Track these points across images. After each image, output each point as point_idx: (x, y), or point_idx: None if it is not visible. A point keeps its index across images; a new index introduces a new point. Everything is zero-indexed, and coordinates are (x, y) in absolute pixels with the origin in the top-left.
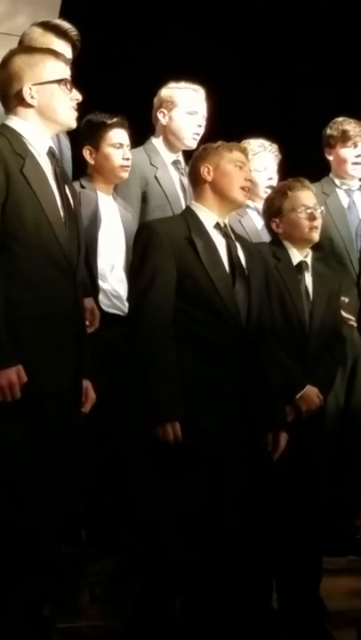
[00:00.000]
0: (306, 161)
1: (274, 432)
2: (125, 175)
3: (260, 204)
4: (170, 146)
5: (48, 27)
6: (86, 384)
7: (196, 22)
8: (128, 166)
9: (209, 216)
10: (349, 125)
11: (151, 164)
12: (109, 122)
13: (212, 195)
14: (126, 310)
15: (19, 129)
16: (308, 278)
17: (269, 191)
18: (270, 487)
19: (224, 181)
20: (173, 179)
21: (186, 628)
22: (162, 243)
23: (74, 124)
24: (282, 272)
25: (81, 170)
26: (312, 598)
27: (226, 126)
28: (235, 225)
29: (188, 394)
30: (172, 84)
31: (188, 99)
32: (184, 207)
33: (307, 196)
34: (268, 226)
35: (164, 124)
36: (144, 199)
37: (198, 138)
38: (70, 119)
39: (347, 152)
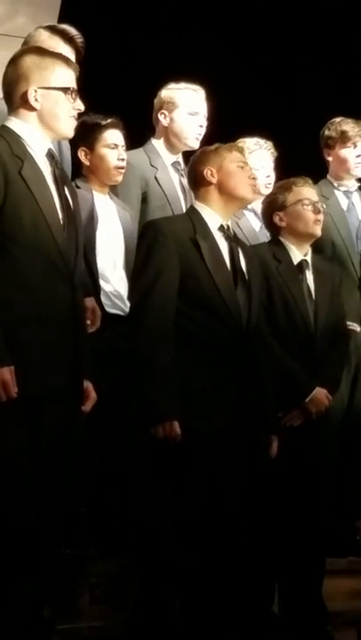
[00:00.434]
0: (305, 160)
1: (267, 437)
2: (120, 176)
3: (258, 204)
4: (171, 147)
5: (55, 30)
6: (87, 384)
7: (195, 22)
8: (123, 167)
9: (213, 217)
10: (348, 125)
11: (151, 165)
12: (104, 123)
13: (219, 196)
14: (127, 310)
15: (18, 131)
16: (310, 277)
17: (267, 189)
18: (270, 488)
19: (230, 181)
20: (173, 180)
21: (186, 630)
22: (167, 242)
23: (71, 135)
24: (283, 274)
25: (77, 171)
26: (314, 599)
27: (224, 126)
28: (232, 227)
29: (188, 395)
30: (172, 85)
31: (188, 99)
32: (184, 208)
33: (311, 192)
34: (269, 222)
35: (166, 125)
36: (144, 200)
37: (200, 138)
38: (69, 129)
39: (347, 152)
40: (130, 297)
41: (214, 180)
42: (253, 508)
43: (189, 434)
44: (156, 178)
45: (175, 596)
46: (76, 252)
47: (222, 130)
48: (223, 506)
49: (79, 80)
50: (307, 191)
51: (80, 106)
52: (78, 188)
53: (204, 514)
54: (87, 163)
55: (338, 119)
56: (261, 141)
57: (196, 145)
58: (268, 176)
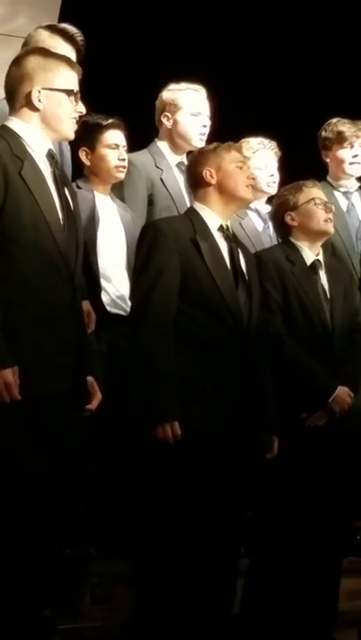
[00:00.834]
0: (307, 161)
1: (267, 437)
2: (121, 176)
3: (260, 203)
4: (176, 148)
5: (55, 30)
6: (92, 382)
7: (197, 21)
8: (124, 167)
9: (213, 218)
10: (344, 126)
11: (157, 167)
12: (105, 123)
13: (218, 196)
14: (129, 310)
15: (19, 131)
16: (323, 277)
17: (270, 188)
18: (282, 490)
19: (229, 182)
20: (178, 180)
21: (187, 630)
22: (167, 242)
23: (72, 136)
24: (298, 276)
25: (78, 171)
26: (329, 600)
27: (228, 125)
28: (235, 227)
29: (189, 395)
30: (173, 86)
31: (190, 100)
32: None
33: (321, 192)
34: (280, 223)
35: (169, 127)
36: (150, 202)
37: (204, 138)
38: (70, 131)
39: (344, 153)
40: (131, 297)
41: (213, 181)
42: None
43: (190, 434)
44: (161, 179)
45: (176, 596)
46: (77, 252)
47: (226, 129)
48: (224, 506)
49: (81, 80)
50: (317, 191)
51: (82, 108)
52: (79, 188)
53: (205, 514)
54: (88, 163)
55: (334, 120)
56: (265, 141)
57: (200, 145)
58: (271, 175)
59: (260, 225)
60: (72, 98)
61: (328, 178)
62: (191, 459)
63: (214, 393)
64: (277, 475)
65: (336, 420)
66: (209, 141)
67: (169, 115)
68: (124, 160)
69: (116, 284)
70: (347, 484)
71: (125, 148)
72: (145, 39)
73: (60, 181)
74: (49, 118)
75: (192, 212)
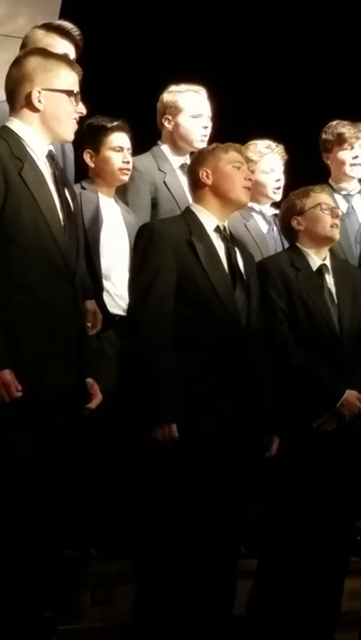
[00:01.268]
0: (309, 163)
1: (267, 436)
2: (125, 179)
3: (265, 206)
4: (178, 150)
5: (51, 28)
6: (93, 383)
7: (199, 22)
8: (128, 169)
9: (210, 219)
10: (344, 128)
11: (160, 170)
12: (110, 125)
13: (214, 197)
14: None
15: (19, 132)
16: (330, 281)
17: (276, 193)
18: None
19: (225, 183)
20: (182, 182)
21: (187, 630)
22: (163, 243)
23: (71, 138)
24: (302, 281)
25: (83, 173)
26: (333, 601)
27: (231, 127)
28: (240, 228)
29: (188, 395)
30: (173, 88)
31: (191, 102)
32: None
33: (328, 198)
34: (288, 227)
35: (171, 129)
36: (154, 205)
37: (206, 139)
38: (69, 133)
39: (344, 154)
40: (129, 297)
41: (209, 182)
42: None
43: (189, 434)
44: (164, 182)
45: (176, 597)
46: (77, 253)
47: (229, 131)
48: (223, 506)
49: (81, 82)
50: (324, 197)
51: (82, 109)
52: (84, 189)
53: (204, 514)
54: (92, 165)
55: (334, 122)
56: (273, 144)
57: (202, 146)
58: (277, 180)
59: (264, 227)
60: (72, 98)
61: (330, 181)
62: (190, 459)
63: (213, 393)
64: (285, 477)
65: (346, 424)
66: (212, 142)
67: (170, 117)
68: (128, 163)
69: (117, 285)
70: (354, 487)
71: (130, 151)
72: (147, 39)
73: (61, 182)
74: (49, 119)
75: (189, 212)
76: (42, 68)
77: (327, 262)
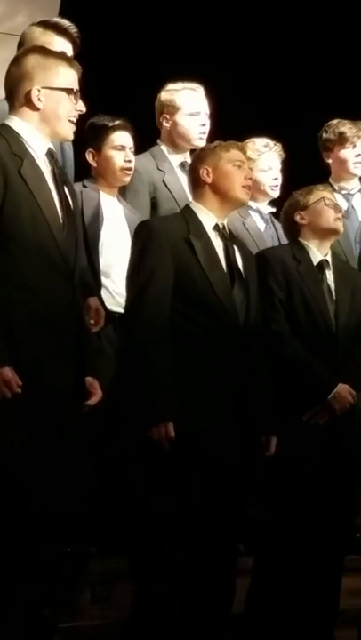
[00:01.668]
0: (307, 161)
1: (265, 436)
2: (127, 177)
3: (263, 205)
4: (177, 148)
5: (48, 25)
6: (93, 381)
7: (199, 20)
8: (130, 168)
9: (208, 217)
10: (345, 127)
11: (158, 169)
12: (112, 124)
13: (213, 196)
14: None
15: (19, 130)
16: (330, 277)
17: (274, 191)
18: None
19: (224, 182)
20: (182, 181)
21: (186, 628)
22: (161, 242)
23: (70, 137)
24: (303, 274)
25: (86, 172)
26: (330, 599)
27: (230, 124)
28: (238, 226)
29: (185, 394)
30: (170, 86)
31: (188, 100)
32: None
33: (331, 195)
34: (291, 223)
35: (169, 128)
36: (153, 206)
37: (205, 136)
38: (68, 132)
39: (346, 153)
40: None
41: (209, 180)
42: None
43: (186, 433)
44: (164, 181)
45: (174, 594)
46: (76, 251)
47: (228, 129)
48: (221, 504)
49: (81, 80)
50: (327, 193)
51: (82, 107)
52: (85, 187)
53: (202, 512)
54: (94, 164)
55: (335, 121)
56: (271, 143)
57: (201, 144)
58: (275, 178)
59: (262, 225)
60: (72, 96)
61: (330, 180)
62: (187, 457)
63: (211, 391)
64: (281, 475)
65: (340, 420)
66: (210, 140)
67: (168, 116)
68: (130, 162)
69: (117, 283)
70: (351, 485)
71: (132, 150)
72: (146, 37)
73: (60, 180)
74: (48, 117)
75: (188, 210)
76: (41, 67)
77: (328, 258)
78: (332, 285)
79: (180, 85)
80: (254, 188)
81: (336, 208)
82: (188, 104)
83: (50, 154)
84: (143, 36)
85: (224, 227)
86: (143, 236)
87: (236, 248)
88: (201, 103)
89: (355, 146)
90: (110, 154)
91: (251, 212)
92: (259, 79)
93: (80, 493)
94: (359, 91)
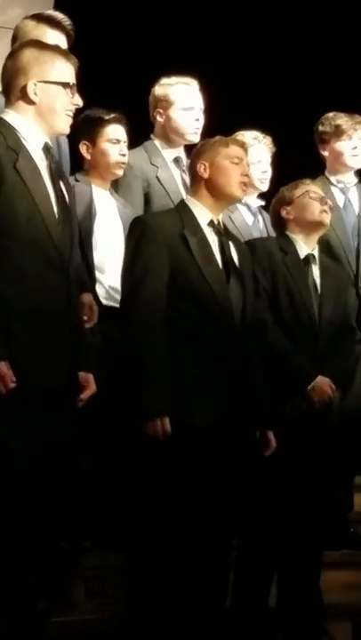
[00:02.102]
0: (301, 156)
1: (261, 431)
2: (120, 172)
3: (252, 198)
4: (171, 143)
5: (41, 18)
6: (88, 376)
7: (194, 14)
8: (124, 162)
9: (203, 212)
10: (341, 119)
11: (152, 164)
12: (107, 117)
13: (209, 191)
14: None
15: (14, 124)
16: (316, 271)
17: (263, 184)
18: (266, 482)
19: (220, 178)
20: (175, 176)
21: (181, 623)
22: (155, 238)
23: (66, 131)
24: (289, 265)
25: (78, 165)
26: (312, 592)
27: (223, 118)
28: (225, 220)
29: (181, 390)
30: (164, 81)
31: (182, 95)
32: None
33: (317, 188)
34: (277, 218)
35: (163, 123)
36: (147, 201)
37: (199, 131)
38: (64, 126)
39: (343, 145)
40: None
41: (206, 175)
42: (248, 502)
43: (182, 429)
44: (157, 177)
45: (170, 589)
46: (72, 246)
47: (223, 123)
48: (217, 500)
49: (77, 72)
50: (313, 187)
51: (78, 101)
52: (78, 181)
53: (197, 508)
54: (88, 157)
55: (331, 114)
56: (260, 136)
57: (195, 139)
58: (264, 171)
59: (250, 219)
60: (68, 90)
61: (326, 173)
62: (183, 453)
63: (206, 388)
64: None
65: (321, 418)
66: (205, 134)
67: (161, 110)
68: (124, 156)
69: (112, 278)
70: (331, 480)
71: (126, 144)
72: (141, 31)
73: (56, 175)
74: (44, 111)
75: (182, 205)
76: (37, 61)
77: (315, 253)
78: (318, 280)
79: (174, 80)
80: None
81: (322, 201)
82: (182, 99)
83: (46, 148)
84: (138, 28)
85: (219, 222)
86: (137, 233)
87: (231, 244)
88: (195, 98)
89: (351, 138)
90: (105, 147)
91: (239, 205)
92: (253, 74)
93: (75, 488)
94: (353, 85)
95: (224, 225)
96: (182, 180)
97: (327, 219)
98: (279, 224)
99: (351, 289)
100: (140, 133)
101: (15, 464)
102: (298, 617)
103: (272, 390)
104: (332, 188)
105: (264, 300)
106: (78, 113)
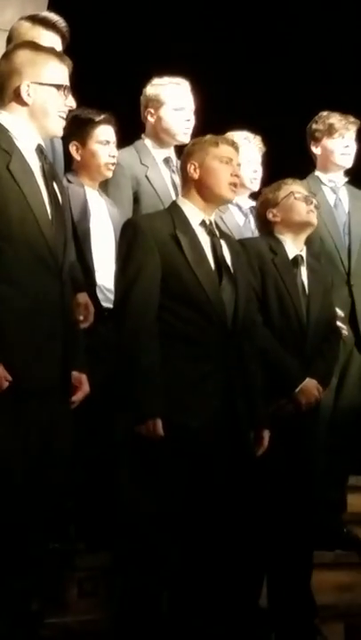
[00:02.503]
0: (292, 155)
1: (256, 429)
2: (110, 173)
3: (242, 198)
4: (161, 143)
5: (36, 20)
6: (81, 376)
7: (186, 16)
8: (114, 163)
9: (195, 213)
10: (335, 119)
11: (142, 164)
12: (97, 119)
13: (199, 192)
14: None
15: (7, 125)
16: (304, 273)
17: (253, 183)
18: (258, 482)
19: (210, 179)
20: (165, 177)
21: (173, 622)
22: (147, 240)
23: (60, 133)
24: (278, 266)
25: (67, 165)
26: (303, 593)
27: (214, 118)
28: (216, 220)
29: (173, 390)
30: (156, 81)
31: (173, 95)
32: None
33: (300, 187)
34: (263, 220)
35: (153, 123)
36: (136, 200)
37: (189, 132)
38: (58, 128)
39: (334, 143)
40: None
41: (196, 176)
42: (239, 502)
43: (174, 428)
44: (147, 176)
45: (161, 588)
46: (65, 247)
47: (212, 122)
48: (209, 499)
49: (71, 74)
50: (297, 187)
51: (72, 103)
52: (70, 182)
53: (190, 507)
54: (78, 158)
55: (325, 113)
56: (250, 136)
57: (185, 139)
58: (255, 171)
59: (241, 219)
60: (61, 92)
61: (317, 172)
62: (175, 452)
63: (199, 387)
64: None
65: (308, 419)
66: (196, 134)
67: (152, 111)
68: (114, 157)
69: (105, 278)
70: (321, 480)
71: (115, 144)
72: (133, 31)
73: (49, 176)
74: (37, 113)
75: (174, 207)
76: (31, 62)
77: (303, 254)
78: (306, 281)
79: (165, 80)
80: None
81: (307, 200)
82: (173, 99)
83: (39, 149)
84: (130, 28)
85: (211, 222)
86: (129, 234)
87: (224, 244)
88: (186, 98)
89: (343, 137)
90: (95, 148)
91: (230, 206)
92: (243, 74)
93: (68, 489)
94: (345, 86)
95: (217, 225)
96: (172, 180)
97: (314, 218)
98: (266, 226)
99: (342, 284)
100: (130, 132)
101: (8, 464)
102: (290, 617)
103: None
104: (323, 187)
105: (254, 301)
106: (70, 112)
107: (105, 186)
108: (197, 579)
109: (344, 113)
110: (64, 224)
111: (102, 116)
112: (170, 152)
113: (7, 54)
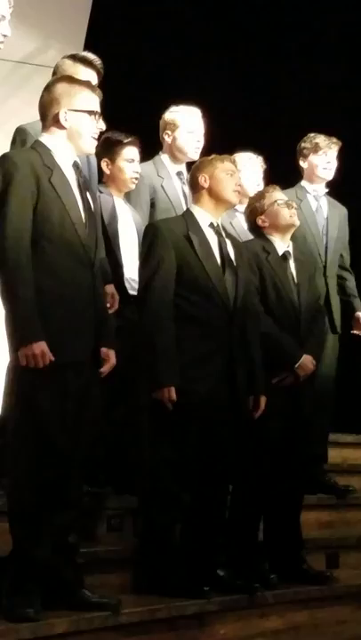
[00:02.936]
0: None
1: (255, 396)
2: (133, 186)
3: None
4: (176, 159)
5: (77, 58)
6: (109, 352)
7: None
8: (137, 178)
9: (205, 217)
10: (320, 139)
11: (158, 176)
12: (125, 140)
13: (209, 198)
14: None
15: (49, 145)
16: (292, 265)
17: None
18: (256, 439)
19: (219, 187)
20: (177, 187)
21: (184, 551)
22: (165, 239)
23: (92, 151)
24: (272, 263)
25: (99, 178)
26: (293, 529)
27: (220, 140)
28: (226, 225)
29: (185, 362)
30: (173, 109)
31: (187, 120)
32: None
33: (280, 194)
34: (253, 225)
35: (170, 142)
36: (152, 205)
37: (199, 151)
38: (90, 147)
39: (318, 159)
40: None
41: (206, 185)
42: (241, 454)
43: (186, 394)
44: (162, 186)
45: (175, 524)
46: (96, 245)
47: (218, 143)
48: (214, 451)
49: (102, 101)
50: (277, 194)
51: (102, 125)
52: (101, 192)
53: (199, 457)
54: (108, 172)
55: (312, 134)
56: (254, 156)
57: (196, 157)
58: (258, 185)
59: (245, 224)
60: (93, 117)
61: (303, 182)
62: (186, 414)
63: (206, 360)
64: (254, 429)
65: (302, 383)
66: (205, 153)
67: (169, 132)
68: (137, 172)
69: (132, 272)
70: (309, 435)
71: (138, 162)
72: (155, 68)
73: (84, 187)
74: (73, 135)
75: (187, 213)
76: (67, 93)
77: (290, 249)
78: (294, 272)
79: (181, 108)
80: (240, 194)
81: (288, 205)
82: (187, 123)
83: (75, 165)
84: (152, 67)
85: (218, 225)
86: (151, 235)
87: (229, 242)
88: (198, 123)
89: (326, 154)
90: (122, 165)
91: (237, 213)
92: (246, 102)
93: (98, 443)
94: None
95: (223, 227)
96: (182, 190)
97: (296, 219)
98: (255, 229)
99: (319, 276)
100: (151, 149)
101: (51, 423)
102: (281, 549)
103: (265, 366)
104: (308, 195)
105: (254, 293)
106: (102, 133)
107: (128, 193)
108: (205, 516)
109: (328, 135)
110: (96, 227)
111: (129, 139)
112: (182, 167)
113: (48, 87)
